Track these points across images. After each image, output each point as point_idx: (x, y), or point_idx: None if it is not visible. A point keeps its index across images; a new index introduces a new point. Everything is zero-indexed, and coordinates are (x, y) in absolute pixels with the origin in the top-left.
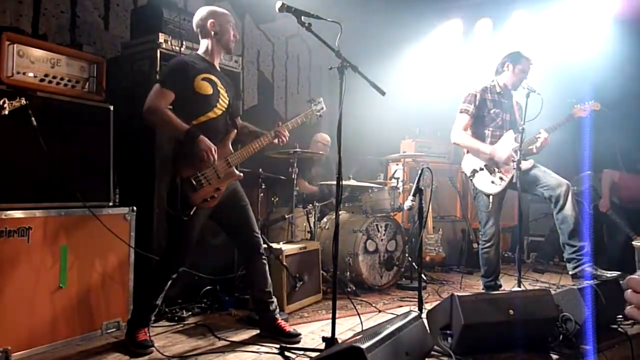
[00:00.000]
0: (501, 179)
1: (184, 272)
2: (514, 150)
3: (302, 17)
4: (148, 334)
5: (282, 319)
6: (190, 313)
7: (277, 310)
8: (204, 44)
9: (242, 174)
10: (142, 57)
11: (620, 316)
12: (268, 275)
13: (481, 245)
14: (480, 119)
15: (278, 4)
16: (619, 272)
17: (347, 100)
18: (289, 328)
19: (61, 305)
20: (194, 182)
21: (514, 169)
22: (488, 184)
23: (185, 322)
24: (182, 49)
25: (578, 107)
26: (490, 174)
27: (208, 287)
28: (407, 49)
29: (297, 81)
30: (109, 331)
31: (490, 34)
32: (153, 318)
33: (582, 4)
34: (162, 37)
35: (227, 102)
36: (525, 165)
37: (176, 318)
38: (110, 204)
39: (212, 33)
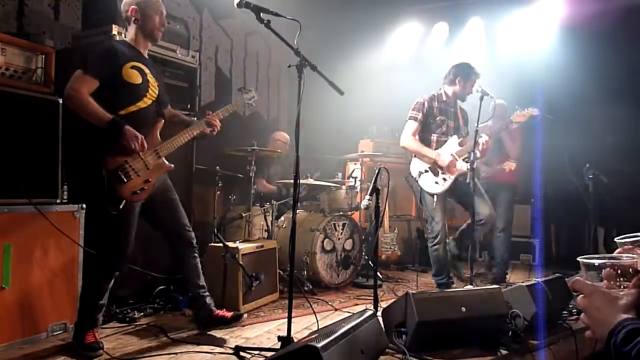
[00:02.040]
0: (444, 179)
1: (136, 271)
2: (456, 154)
3: (261, 14)
4: (96, 336)
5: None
6: (142, 314)
7: (212, 302)
8: (130, 32)
9: (172, 165)
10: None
11: (565, 312)
12: (200, 270)
13: (430, 244)
14: (427, 125)
15: (237, 0)
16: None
17: (306, 99)
18: (228, 313)
19: (3, 306)
20: (121, 174)
21: (458, 169)
22: (432, 184)
23: (137, 323)
24: None
25: (517, 113)
26: (435, 175)
27: (161, 287)
28: (367, 49)
29: (255, 78)
30: (55, 334)
31: (447, 38)
32: (101, 318)
33: (533, 12)
34: (115, 29)
35: (156, 92)
36: (464, 167)
37: (127, 319)
38: (58, 200)
39: (133, 19)
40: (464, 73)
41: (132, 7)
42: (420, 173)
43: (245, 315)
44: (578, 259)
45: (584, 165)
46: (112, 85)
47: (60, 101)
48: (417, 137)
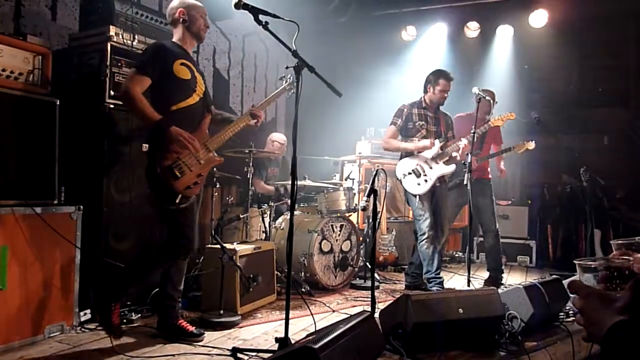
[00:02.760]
0: (426, 181)
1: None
2: (437, 157)
3: (259, 15)
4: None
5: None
6: (139, 315)
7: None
8: (177, 33)
9: (222, 159)
10: (91, 50)
11: (562, 314)
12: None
13: (418, 241)
14: (407, 130)
15: (234, 1)
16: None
17: (303, 101)
18: (192, 328)
19: (0, 308)
20: (175, 170)
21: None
22: (415, 185)
23: (134, 325)
24: (134, 43)
25: (496, 117)
26: (417, 177)
27: (158, 289)
28: (365, 51)
29: (253, 79)
30: (52, 335)
31: (444, 41)
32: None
33: (527, 14)
34: (113, 30)
35: (203, 88)
36: (445, 170)
37: (124, 320)
38: (55, 202)
39: (181, 21)
40: (432, 79)
41: (180, 9)
42: (404, 175)
43: (204, 336)
44: (575, 261)
45: (580, 167)
46: (164, 82)
47: (57, 102)
48: (394, 139)
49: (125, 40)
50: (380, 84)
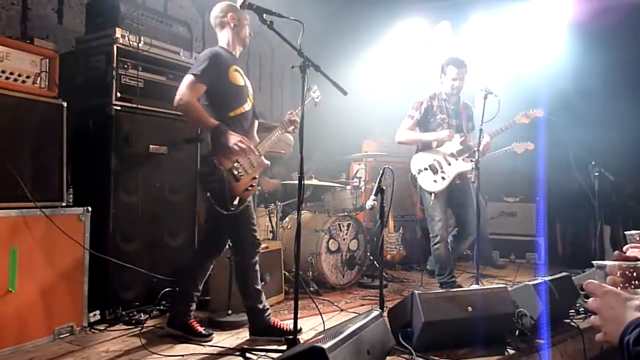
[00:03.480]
0: (443, 178)
1: (142, 273)
2: (457, 153)
3: (264, 15)
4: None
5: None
6: (148, 316)
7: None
8: (224, 37)
9: (269, 163)
10: (97, 53)
11: (572, 311)
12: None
13: (431, 243)
14: (428, 124)
15: (239, 1)
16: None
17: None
18: (201, 328)
19: (10, 309)
20: (235, 173)
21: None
22: (430, 182)
23: (143, 326)
24: (140, 45)
25: (522, 114)
26: (434, 173)
27: (167, 289)
28: (371, 49)
29: (259, 80)
30: (62, 336)
31: (450, 35)
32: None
33: (538, 9)
34: (119, 32)
35: (252, 94)
36: (465, 167)
37: (134, 321)
38: (64, 204)
39: (232, 25)
40: (443, 67)
41: (231, 13)
42: (420, 171)
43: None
44: (592, 262)
45: (589, 163)
46: (220, 89)
47: (65, 104)
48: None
49: (131, 42)
50: (387, 82)
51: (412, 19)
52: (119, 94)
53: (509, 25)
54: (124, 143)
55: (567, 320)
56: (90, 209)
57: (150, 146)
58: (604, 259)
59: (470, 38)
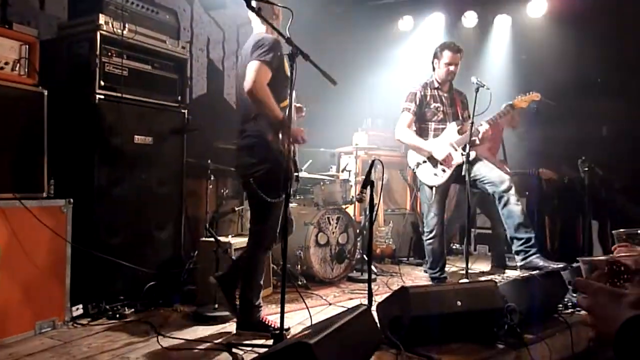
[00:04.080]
0: (443, 171)
1: (126, 266)
2: (455, 144)
3: (252, 2)
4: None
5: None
6: (132, 310)
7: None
8: (264, 26)
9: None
10: (80, 40)
11: (561, 305)
12: None
13: (425, 237)
14: (423, 115)
15: None
16: (564, 264)
17: (298, 91)
18: (276, 322)
19: None
20: (292, 165)
21: (454, 164)
22: (431, 176)
23: (127, 320)
24: (125, 32)
25: (519, 98)
26: (433, 166)
27: (152, 283)
28: (362, 41)
29: None
30: (43, 331)
31: (442, 29)
32: None
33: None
34: (102, 19)
35: None
36: (463, 159)
37: (117, 315)
38: (44, 195)
39: (274, 17)
40: (437, 52)
41: (276, 7)
42: (418, 164)
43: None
44: (578, 259)
45: (579, 158)
46: (278, 79)
47: (45, 93)
48: (412, 128)
49: (115, 29)
50: (377, 75)
51: (402, 14)
52: (102, 83)
53: (500, 19)
54: (108, 133)
55: (556, 315)
56: (72, 200)
57: (136, 137)
58: (591, 254)
59: (460, 31)
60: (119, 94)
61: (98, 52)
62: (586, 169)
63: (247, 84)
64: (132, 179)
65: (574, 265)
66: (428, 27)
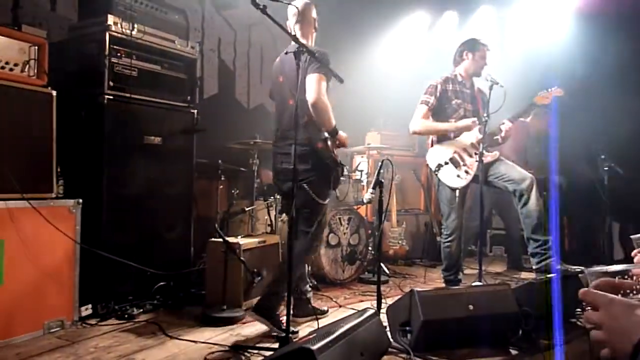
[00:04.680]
0: (467, 172)
1: (135, 267)
2: (477, 143)
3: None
4: None
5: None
6: (141, 310)
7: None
8: (307, 34)
9: None
10: (90, 40)
11: (579, 310)
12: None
13: (443, 239)
14: (443, 111)
15: None
16: (582, 267)
17: None
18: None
19: None
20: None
21: (477, 161)
22: (454, 177)
23: (136, 320)
24: (134, 33)
25: (541, 94)
26: (456, 167)
27: (161, 283)
28: (374, 40)
29: (260, 71)
30: (52, 331)
31: (456, 27)
32: None
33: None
34: (111, 19)
35: None
36: (490, 157)
37: (126, 316)
38: (53, 195)
39: (315, 27)
40: (469, 46)
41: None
42: (440, 166)
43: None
44: (584, 270)
45: (598, 156)
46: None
47: (54, 93)
48: (430, 120)
49: (124, 30)
50: (389, 73)
51: (417, 11)
52: (111, 83)
53: (516, 16)
54: (117, 133)
55: (573, 320)
56: (81, 201)
57: (145, 137)
58: (612, 257)
59: (477, 28)
60: (128, 94)
61: (107, 53)
62: (606, 168)
63: (312, 96)
64: (141, 179)
65: (595, 267)
66: (444, 24)
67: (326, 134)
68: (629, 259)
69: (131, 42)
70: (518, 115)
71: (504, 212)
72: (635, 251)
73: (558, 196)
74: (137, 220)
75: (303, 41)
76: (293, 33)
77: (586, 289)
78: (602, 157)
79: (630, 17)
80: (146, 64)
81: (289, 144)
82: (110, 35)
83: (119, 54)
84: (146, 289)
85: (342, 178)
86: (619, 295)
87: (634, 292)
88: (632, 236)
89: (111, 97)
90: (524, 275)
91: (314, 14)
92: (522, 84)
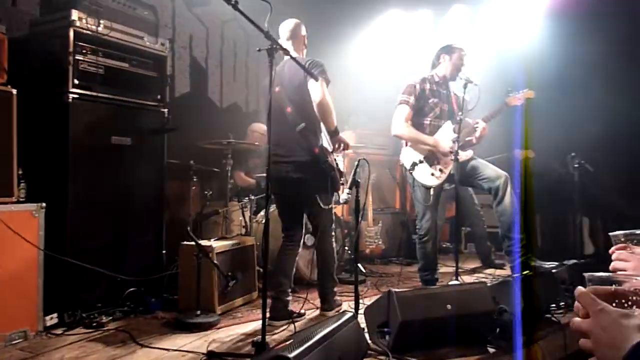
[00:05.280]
0: (441, 171)
1: (104, 273)
2: (453, 141)
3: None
4: None
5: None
6: (110, 318)
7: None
8: (298, 50)
9: None
10: (53, 37)
11: (553, 306)
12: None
13: (418, 239)
14: (420, 109)
15: None
16: (556, 263)
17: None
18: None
19: None
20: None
21: (453, 160)
22: (428, 176)
23: (105, 329)
24: (100, 29)
25: (512, 96)
26: (430, 166)
27: (132, 289)
28: (347, 39)
29: (233, 69)
30: (14, 342)
31: (430, 25)
32: None
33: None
34: (75, 15)
35: None
36: (465, 156)
37: (94, 324)
38: (14, 199)
39: (303, 45)
40: (446, 49)
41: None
42: (415, 164)
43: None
44: (584, 274)
45: (567, 154)
46: None
47: (15, 92)
48: (409, 122)
49: (89, 26)
50: (363, 71)
51: (389, 9)
52: (76, 81)
53: (488, 16)
54: (83, 134)
55: (548, 316)
56: (44, 205)
57: (113, 137)
58: (582, 252)
59: (451, 27)
60: (95, 93)
61: (71, 50)
62: (577, 165)
63: (318, 95)
64: (109, 182)
65: (566, 262)
66: (417, 22)
67: (322, 138)
68: (599, 255)
69: (97, 39)
70: (491, 115)
71: (466, 210)
72: (613, 248)
73: (526, 194)
74: (106, 224)
75: (295, 55)
76: (285, 49)
77: (583, 289)
78: (573, 154)
79: (600, 17)
80: (113, 61)
81: (291, 153)
82: (74, 31)
83: (84, 51)
84: (116, 295)
85: (341, 181)
86: (614, 305)
87: (629, 302)
88: (610, 233)
89: (76, 95)
90: (499, 272)
91: (303, 31)
92: (496, 82)
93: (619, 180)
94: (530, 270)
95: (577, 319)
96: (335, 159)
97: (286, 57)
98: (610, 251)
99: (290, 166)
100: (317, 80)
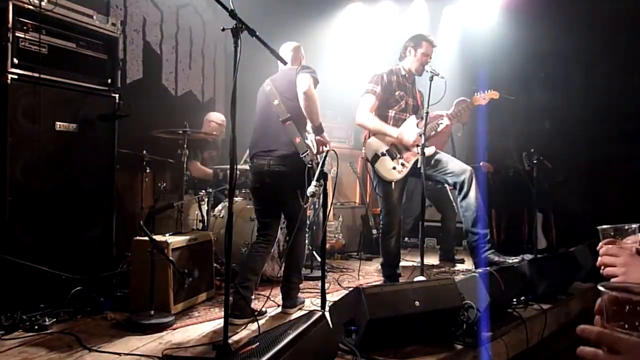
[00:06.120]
0: (403, 165)
1: (47, 271)
2: (419, 135)
3: None
4: None
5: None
6: (54, 320)
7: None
8: (296, 62)
9: None
10: None
11: (515, 300)
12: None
13: (381, 234)
14: (385, 101)
15: None
16: (519, 257)
17: (244, 76)
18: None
19: None
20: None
21: (417, 154)
22: (389, 170)
23: (48, 332)
24: (43, 4)
25: (477, 95)
26: (392, 159)
27: (78, 288)
28: (308, 32)
29: (189, 56)
30: None
31: (394, 17)
32: None
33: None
34: None
35: None
36: (428, 151)
37: (36, 327)
38: None
39: (302, 57)
40: (413, 42)
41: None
42: (377, 157)
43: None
44: (598, 286)
45: (524, 150)
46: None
47: None
48: (374, 113)
49: (31, 0)
50: (324, 64)
51: (351, 2)
52: (15, 61)
53: (449, 9)
54: (23, 118)
55: (510, 310)
56: None
57: (57, 123)
58: (535, 246)
59: (413, 20)
60: (37, 74)
61: (10, 25)
62: (535, 161)
63: (305, 86)
64: (53, 171)
65: (526, 256)
66: (380, 15)
67: (307, 137)
68: (552, 249)
69: (40, 15)
70: (456, 114)
71: (443, 204)
72: (601, 243)
73: (486, 189)
74: (49, 217)
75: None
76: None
77: (587, 326)
78: (526, 152)
79: (555, 15)
80: (58, 40)
81: (274, 146)
82: (14, 5)
83: (25, 28)
84: (60, 295)
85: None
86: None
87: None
88: (598, 227)
89: (15, 76)
90: (458, 267)
91: (302, 52)
92: (459, 75)
93: (568, 175)
94: (494, 265)
95: (605, 354)
96: (317, 156)
97: (280, 68)
98: (598, 247)
99: (273, 159)
100: (306, 74)
